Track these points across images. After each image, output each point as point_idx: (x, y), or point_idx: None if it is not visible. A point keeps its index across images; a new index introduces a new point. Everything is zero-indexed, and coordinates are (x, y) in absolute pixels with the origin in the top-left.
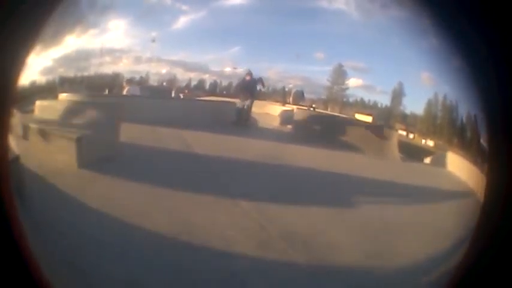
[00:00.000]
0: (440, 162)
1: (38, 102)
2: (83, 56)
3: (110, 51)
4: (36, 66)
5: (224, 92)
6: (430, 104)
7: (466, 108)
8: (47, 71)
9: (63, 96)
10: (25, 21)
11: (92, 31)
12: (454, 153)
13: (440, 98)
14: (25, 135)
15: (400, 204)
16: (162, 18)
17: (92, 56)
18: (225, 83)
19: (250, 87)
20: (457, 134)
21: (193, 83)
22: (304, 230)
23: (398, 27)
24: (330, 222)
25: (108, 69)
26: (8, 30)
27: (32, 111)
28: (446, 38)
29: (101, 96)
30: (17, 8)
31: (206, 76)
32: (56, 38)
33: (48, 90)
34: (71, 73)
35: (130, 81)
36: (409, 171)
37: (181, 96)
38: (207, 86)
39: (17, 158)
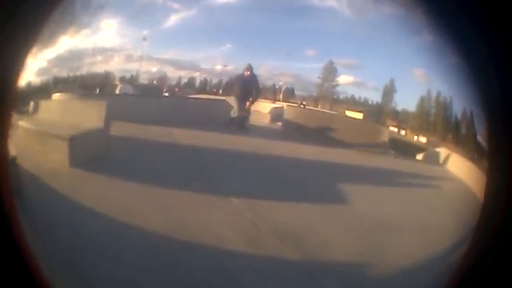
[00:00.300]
0: (433, 158)
1: (32, 103)
2: (76, 55)
3: (102, 51)
4: (32, 67)
5: (214, 90)
6: (422, 101)
7: (461, 105)
8: (41, 71)
9: (56, 96)
10: (25, 22)
11: (85, 31)
12: (448, 149)
13: (434, 95)
14: (21, 136)
15: (392, 201)
16: (153, 16)
17: (85, 55)
18: (215, 80)
19: (249, 84)
20: (452, 131)
21: (184, 81)
22: (297, 227)
23: (391, 24)
24: (323, 219)
25: (99, 68)
26: (9, 30)
27: (27, 112)
28: (441, 35)
29: (93, 95)
30: (18, 8)
31: (197, 74)
32: (51, 38)
33: (42, 91)
34: (64, 73)
35: (123, 79)
36: (400, 168)
37: (167, 94)
38: (197, 84)
39: (14, 159)
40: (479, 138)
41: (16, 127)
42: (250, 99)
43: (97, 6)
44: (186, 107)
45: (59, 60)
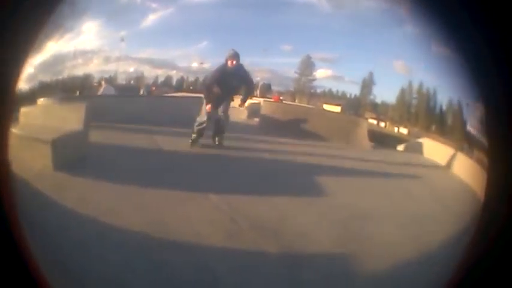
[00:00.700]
0: (415, 148)
1: (21, 109)
2: (60, 60)
3: (83, 53)
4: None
5: (191, 88)
6: (403, 92)
7: (447, 95)
8: (29, 77)
9: (41, 101)
10: (25, 23)
11: (68, 35)
12: (432, 140)
13: (416, 86)
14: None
15: (372, 192)
16: (131, 17)
17: (67, 59)
18: (191, 78)
19: (235, 78)
20: (436, 121)
21: (161, 79)
22: (276, 222)
23: (371, 17)
24: (302, 213)
25: (80, 71)
26: (9, 32)
27: (17, 118)
28: (427, 26)
29: (73, 98)
30: (18, 10)
31: (173, 72)
32: (39, 44)
33: (30, 96)
34: (48, 78)
35: (107, 80)
36: (380, 159)
37: (145, 94)
38: (174, 82)
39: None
40: (469, 128)
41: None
42: (241, 97)
43: (80, 10)
44: (163, 106)
45: (44, 66)
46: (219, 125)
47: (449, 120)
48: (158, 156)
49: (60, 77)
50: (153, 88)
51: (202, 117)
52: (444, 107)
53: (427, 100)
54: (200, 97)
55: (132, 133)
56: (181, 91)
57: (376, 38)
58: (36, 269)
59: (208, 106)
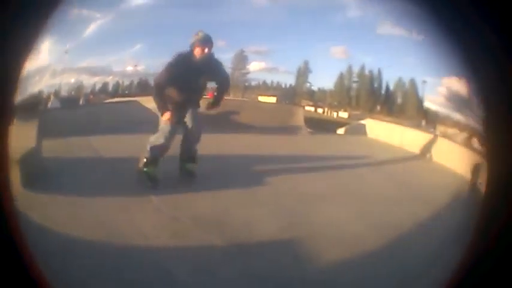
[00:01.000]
0: (356, 130)
1: None
2: (24, 79)
3: (39, 70)
4: None
5: (126, 92)
6: (341, 77)
7: (396, 74)
8: None
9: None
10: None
11: (34, 54)
12: (376, 120)
13: (356, 69)
14: None
15: (310, 177)
16: (73, 28)
17: (29, 77)
18: (127, 82)
19: (203, 74)
20: (381, 102)
21: (98, 86)
22: (217, 215)
23: (306, 6)
24: (242, 204)
25: (36, 88)
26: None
27: None
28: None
29: (26, 116)
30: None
31: (109, 78)
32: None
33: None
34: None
35: (56, 94)
36: (319, 144)
37: (80, 103)
38: (110, 88)
39: None
40: (426, 104)
41: None
42: (213, 97)
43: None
44: (99, 114)
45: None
46: (187, 147)
47: (399, 99)
48: (98, 164)
49: (20, 97)
50: (91, 96)
51: (159, 137)
52: (392, 87)
53: (370, 82)
54: (133, 100)
55: (73, 143)
56: (117, 96)
57: (312, 27)
58: (36, 270)
59: (167, 114)
